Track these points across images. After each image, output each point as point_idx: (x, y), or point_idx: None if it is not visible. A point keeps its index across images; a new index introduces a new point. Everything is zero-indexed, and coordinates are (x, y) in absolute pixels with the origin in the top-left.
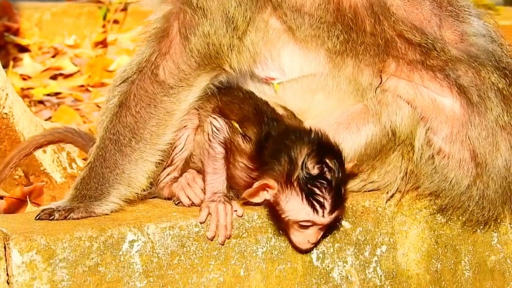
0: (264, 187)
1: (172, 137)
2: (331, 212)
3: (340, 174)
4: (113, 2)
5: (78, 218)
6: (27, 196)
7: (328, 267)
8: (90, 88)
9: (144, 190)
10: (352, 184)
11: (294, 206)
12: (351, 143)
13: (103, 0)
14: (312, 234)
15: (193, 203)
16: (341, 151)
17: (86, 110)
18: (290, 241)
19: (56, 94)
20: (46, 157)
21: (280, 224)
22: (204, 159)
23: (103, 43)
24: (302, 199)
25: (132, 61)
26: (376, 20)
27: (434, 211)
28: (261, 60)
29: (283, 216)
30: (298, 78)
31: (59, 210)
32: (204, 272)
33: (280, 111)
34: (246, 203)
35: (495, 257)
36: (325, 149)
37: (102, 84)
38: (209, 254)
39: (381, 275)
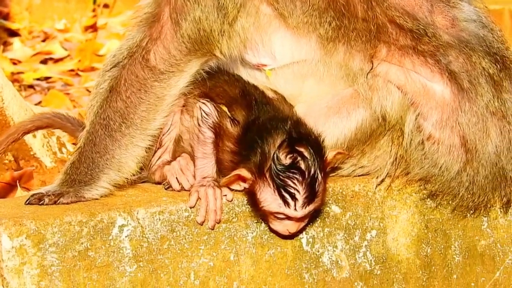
0: (238, 179)
1: (162, 122)
2: (304, 205)
3: (316, 165)
4: None
5: (68, 203)
6: (17, 181)
7: (318, 251)
8: (80, 73)
9: (134, 175)
10: (342, 169)
11: (267, 197)
12: (341, 128)
13: None
14: (290, 224)
15: (183, 188)
16: (319, 140)
17: (76, 94)
18: (270, 229)
19: (46, 78)
20: (36, 142)
21: (259, 212)
22: (194, 144)
23: (93, 27)
24: (274, 191)
25: (122, 46)
26: (368, 6)
27: (424, 195)
28: (251, 45)
29: (260, 206)
30: (290, 64)
31: (49, 195)
32: (194, 256)
33: (270, 94)
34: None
35: (485, 242)
36: (299, 138)
37: (92, 69)
38: (199, 238)
39: (371, 260)
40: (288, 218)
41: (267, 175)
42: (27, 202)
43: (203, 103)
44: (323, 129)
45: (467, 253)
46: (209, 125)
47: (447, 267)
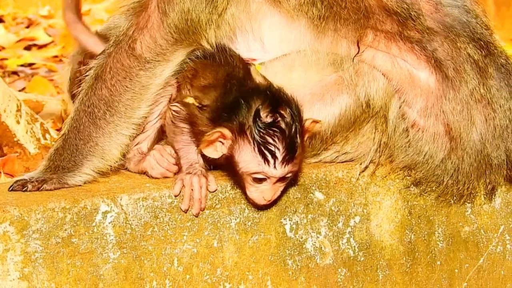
0: (218, 138)
1: (147, 111)
2: (283, 163)
3: (295, 126)
4: None
5: (51, 189)
6: (0, 167)
7: (302, 238)
8: (64, 59)
9: (117, 163)
10: (325, 155)
11: (246, 157)
12: (324, 114)
13: None
14: (267, 190)
15: (167, 177)
16: (299, 106)
17: (60, 80)
18: (247, 198)
19: (30, 64)
20: (19, 128)
21: (237, 179)
22: (174, 139)
23: None
24: (254, 148)
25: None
26: None
27: (408, 182)
28: (241, 33)
29: (237, 169)
30: (280, 57)
31: (32, 181)
32: (177, 243)
33: (258, 79)
34: (210, 161)
35: (469, 228)
36: (281, 99)
37: None
38: (182, 225)
39: (354, 246)
40: (266, 179)
41: (247, 133)
42: (11, 188)
43: (172, 105)
44: (306, 114)
45: (450, 240)
46: (181, 119)
47: (431, 253)
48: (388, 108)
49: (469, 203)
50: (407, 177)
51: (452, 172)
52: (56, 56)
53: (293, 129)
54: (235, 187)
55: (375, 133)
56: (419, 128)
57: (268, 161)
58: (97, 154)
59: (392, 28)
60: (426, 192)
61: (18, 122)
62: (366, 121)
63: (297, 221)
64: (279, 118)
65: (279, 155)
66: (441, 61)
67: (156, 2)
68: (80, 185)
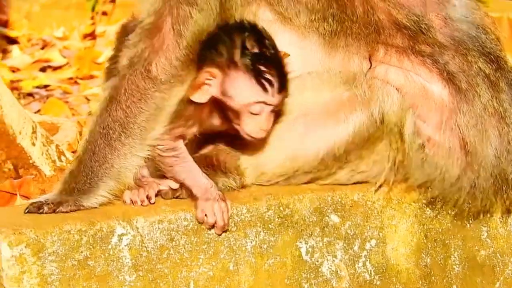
0: (206, 79)
1: (162, 132)
2: (279, 89)
3: (279, 54)
4: None
5: (67, 212)
6: (16, 189)
7: (318, 261)
8: (79, 81)
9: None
10: (340, 174)
11: (243, 89)
12: (338, 132)
13: None
14: (264, 119)
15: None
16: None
17: (75, 102)
18: (244, 134)
19: (45, 86)
20: (35, 150)
21: (231, 118)
22: (172, 172)
23: (92, 35)
24: (250, 79)
25: (123, 55)
26: (366, 0)
27: (424, 205)
28: None
29: (232, 105)
30: (291, 78)
31: (48, 203)
32: (193, 266)
33: None
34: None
35: (485, 252)
36: (259, 31)
37: (91, 77)
38: (198, 248)
39: (370, 270)
40: (263, 110)
41: (239, 64)
42: (27, 210)
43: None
44: (319, 133)
45: (466, 264)
46: (167, 149)
47: (447, 277)
48: (403, 124)
49: (484, 226)
50: (423, 200)
51: (469, 188)
52: (71, 78)
53: (280, 57)
54: (250, 210)
55: (390, 150)
56: (434, 144)
57: (266, 89)
58: (112, 176)
59: (403, 42)
60: (441, 215)
61: (33, 144)
62: (380, 139)
63: (313, 244)
64: (265, 48)
65: (275, 82)
66: (453, 74)
67: (171, 23)
68: (95, 207)
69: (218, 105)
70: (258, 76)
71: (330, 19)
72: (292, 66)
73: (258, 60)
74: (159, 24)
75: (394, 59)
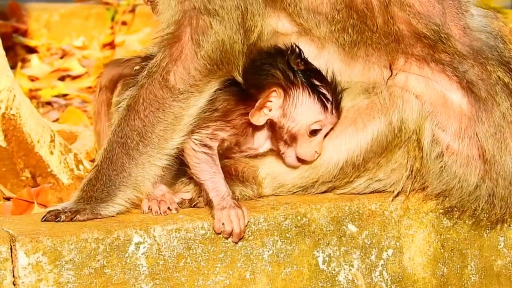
0: (269, 100)
1: (180, 141)
2: (336, 108)
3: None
4: (121, 4)
5: (84, 220)
6: (34, 198)
7: (334, 270)
8: None
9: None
10: (358, 183)
11: (305, 108)
12: (357, 140)
13: (111, 1)
14: (318, 142)
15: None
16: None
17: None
18: (296, 158)
19: (64, 95)
20: (53, 159)
21: (286, 141)
22: (197, 168)
23: (111, 45)
24: (310, 95)
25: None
26: (386, 5)
27: (441, 214)
28: None
29: (291, 126)
30: None
31: (65, 212)
32: (210, 274)
33: None
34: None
35: (502, 262)
36: (294, 49)
37: None
38: (215, 256)
39: (387, 279)
40: (321, 129)
41: (297, 82)
42: (44, 219)
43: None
44: (339, 141)
45: (483, 273)
46: (203, 144)
47: (464, 287)
48: (422, 132)
49: (501, 236)
50: (440, 209)
51: (487, 197)
52: (89, 87)
53: (322, 71)
54: (267, 219)
55: (407, 158)
56: (453, 152)
57: (326, 107)
58: (130, 184)
59: (423, 51)
60: (458, 225)
61: (51, 153)
62: (399, 147)
63: (330, 254)
64: (309, 64)
65: (332, 99)
66: (472, 83)
67: (190, 33)
68: (113, 216)
69: (271, 128)
70: (315, 91)
71: (350, 30)
72: None
73: (309, 75)
74: (179, 34)
75: (415, 67)
